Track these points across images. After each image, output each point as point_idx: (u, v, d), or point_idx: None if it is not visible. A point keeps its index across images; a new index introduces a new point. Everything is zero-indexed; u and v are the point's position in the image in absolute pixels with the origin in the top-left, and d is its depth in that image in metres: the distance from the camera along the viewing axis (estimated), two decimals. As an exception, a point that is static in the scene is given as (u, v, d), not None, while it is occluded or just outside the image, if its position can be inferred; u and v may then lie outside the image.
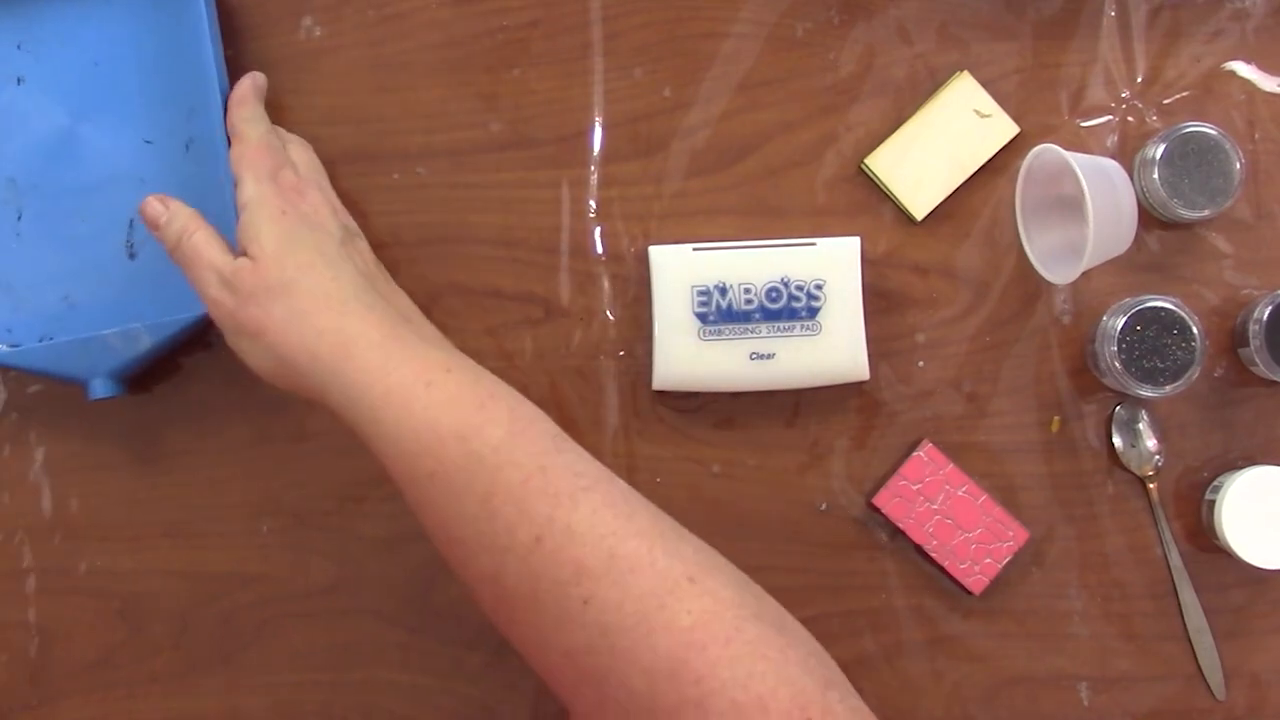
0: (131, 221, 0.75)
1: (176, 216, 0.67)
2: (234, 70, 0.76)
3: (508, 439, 0.57)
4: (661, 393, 0.75)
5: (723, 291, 0.73)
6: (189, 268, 0.66)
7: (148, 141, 0.75)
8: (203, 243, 0.65)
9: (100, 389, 0.72)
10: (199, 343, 0.76)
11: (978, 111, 0.76)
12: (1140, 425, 0.75)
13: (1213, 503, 0.73)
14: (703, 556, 0.57)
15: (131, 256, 0.75)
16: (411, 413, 0.58)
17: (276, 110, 0.76)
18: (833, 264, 0.73)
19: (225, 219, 0.72)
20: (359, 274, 0.65)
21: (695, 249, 0.73)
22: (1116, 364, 0.72)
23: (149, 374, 0.75)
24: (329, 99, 0.77)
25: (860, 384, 0.75)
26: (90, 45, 0.76)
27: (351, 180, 0.76)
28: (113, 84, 0.75)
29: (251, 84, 0.71)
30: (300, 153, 0.72)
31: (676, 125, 0.77)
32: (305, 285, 0.62)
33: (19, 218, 0.75)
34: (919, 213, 0.76)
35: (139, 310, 0.73)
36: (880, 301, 0.76)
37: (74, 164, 0.75)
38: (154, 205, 0.67)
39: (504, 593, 0.57)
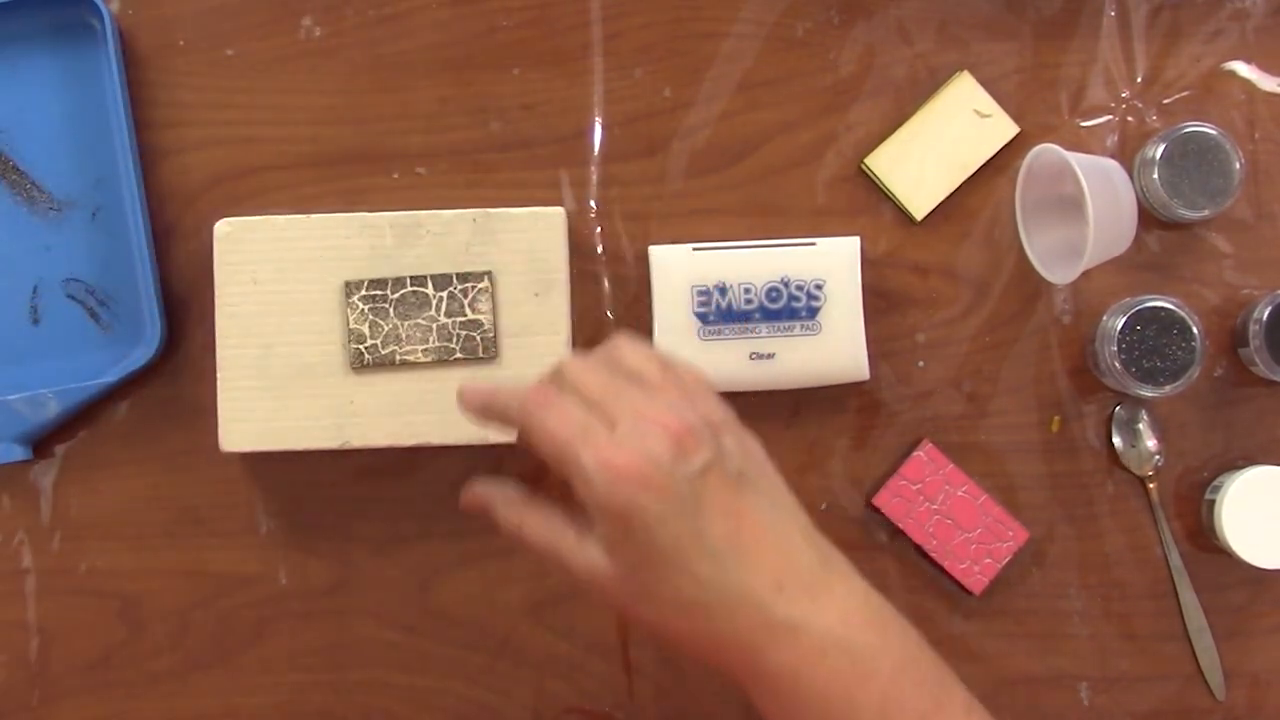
0: (35, 287, 0.75)
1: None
2: (242, 67, 0.76)
3: None
4: (661, 393, 0.75)
5: (722, 291, 0.73)
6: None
7: (53, 209, 0.75)
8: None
9: (7, 454, 0.72)
10: (199, 343, 0.76)
11: (978, 111, 0.76)
12: (1140, 425, 0.75)
13: (1213, 503, 0.73)
14: None
15: (35, 322, 0.74)
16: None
17: (276, 110, 0.76)
18: (833, 264, 0.73)
19: (131, 288, 0.73)
20: (703, 555, 0.54)
21: (695, 249, 0.73)
22: (1116, 364, 0.72)
23: (148, 375, 0.75)
24: (329, 99, 0.77)
25: (860, 384, 0.75)
26: None
27: (351, 180, 0.76)
28: (17, 151, 0.75)
29: None
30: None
31: (676, 125, 0.77)
32: (656, 591, 0.55)
33: None
34: (919, 213, 0.76)
35: (44, 375, 0.73)
36: (880, 301, 0.76)
37: None
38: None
39: None
